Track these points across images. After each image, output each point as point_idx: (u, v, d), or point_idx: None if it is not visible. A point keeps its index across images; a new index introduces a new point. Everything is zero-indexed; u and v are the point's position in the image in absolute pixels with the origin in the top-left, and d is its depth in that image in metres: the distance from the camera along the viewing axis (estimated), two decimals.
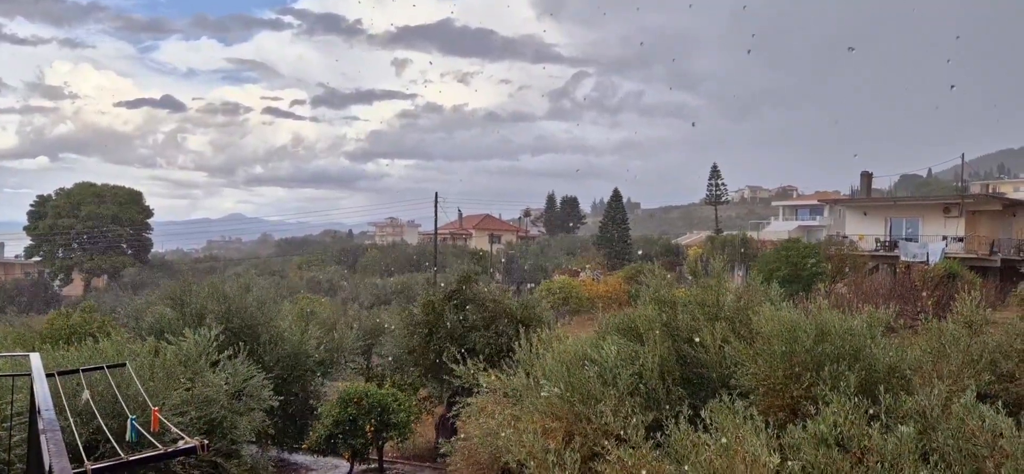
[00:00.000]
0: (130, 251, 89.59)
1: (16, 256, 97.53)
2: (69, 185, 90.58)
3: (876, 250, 47.91)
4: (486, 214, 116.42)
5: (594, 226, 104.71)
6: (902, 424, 5.95)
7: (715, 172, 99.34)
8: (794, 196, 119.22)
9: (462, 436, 9.91)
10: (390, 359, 20.10)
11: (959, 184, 77.36)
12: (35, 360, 4.65)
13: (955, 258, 38.98)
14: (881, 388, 6.41)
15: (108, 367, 5.84)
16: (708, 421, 6.34)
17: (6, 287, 75.26)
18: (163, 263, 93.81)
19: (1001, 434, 5.84)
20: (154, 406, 5.07)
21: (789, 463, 5.90)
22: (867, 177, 59.38)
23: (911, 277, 32.13)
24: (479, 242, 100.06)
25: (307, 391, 16.19)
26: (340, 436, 14.69)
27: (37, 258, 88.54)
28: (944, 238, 44.83)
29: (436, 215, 65.52)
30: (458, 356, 12.19)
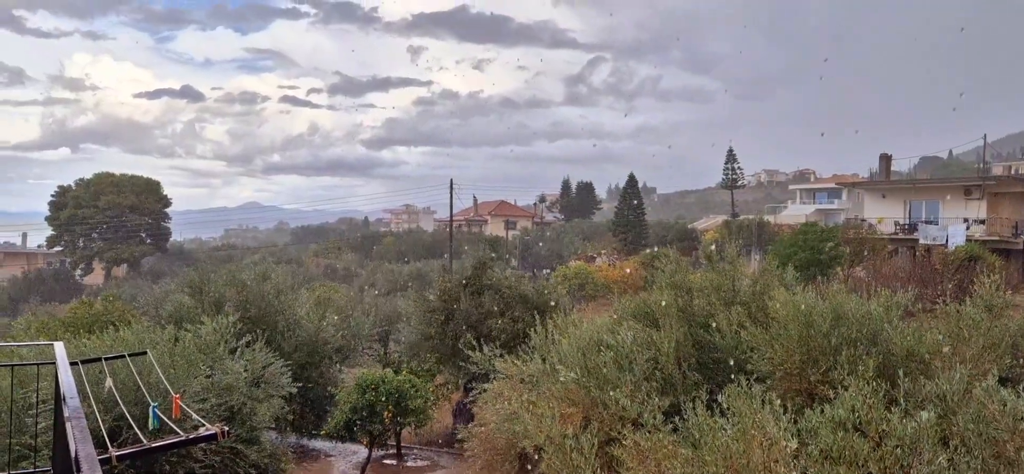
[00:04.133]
0: (149, 240, 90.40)
1: (38, 246, 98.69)
2: (90, 175, 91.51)
3: (895, 233, 47.46)
4: (502, 200, 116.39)
5: (610, 211, 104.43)
6: (921, 408, 5.92)
7: (731, 156, 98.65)
8: (812, 179, 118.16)
9: (479, 422, 9.96)
10: (407, 345, 20.19)
11: (981, 165, 76.40)
12: (59, 349, 4.72)
13: (976, 241, 38.56)
14: (900, 372, 6.36)
15: (130, 355, 5.92)
16: (725, 405, 6.33)
17: (29, 277, 76.17)
18: (182, 252, 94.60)
19: (1023, 418, 5.80)
20: (175, 393, 5.13)
21: (807, 447, 5.89)
22: (886, 159, 58.78)
23: (931, 260, 31.85)
24: (495, 228, 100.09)
25: (325, 378, 16.32)
26: (358, 422, 14.81)
27: (58, 248, 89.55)
28: (965, 221, 44.32)
29: (451, 202, 65.64)
30: (474, 342, 12.24)
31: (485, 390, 10.06)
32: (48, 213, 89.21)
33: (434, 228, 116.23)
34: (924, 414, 5.74)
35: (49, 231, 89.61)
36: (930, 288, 21.84)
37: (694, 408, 6.39)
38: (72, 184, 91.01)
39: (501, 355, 10.23)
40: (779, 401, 6.05)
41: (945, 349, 7.40)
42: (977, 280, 8.29)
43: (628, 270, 44.74)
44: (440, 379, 19.12)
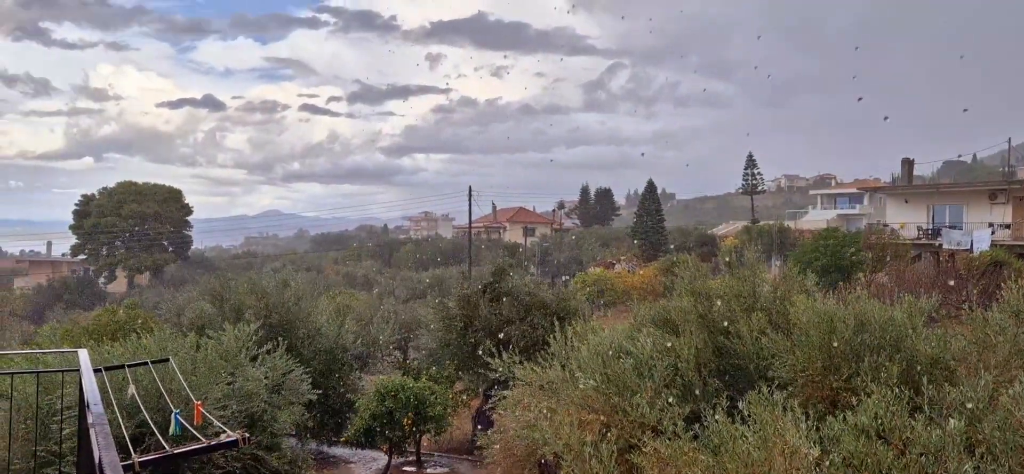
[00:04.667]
0: (171, 248, 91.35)
1: (62, 254, 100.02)
2: (112, 184, 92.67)
3: (918, 238, 46.91)
4: (520, 207, 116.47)
5: (629, 218, 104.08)
6: (946, 416, 5.84)
7: (751, 161, 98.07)
8: (832, 184, 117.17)
9: (498, 429, 9.95)
10: (426, 353, 20.23)
11: (1005, 169, 75.35)
12: (83, 356, 4.78)
13: (1002, 246, 38.03)
14: (924, 379, 6.28)
15: (152, 362, 5.97)
16: (746, 413, 6.28)
17: (54, 285, 77.20)
18: (202, 260, 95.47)
19: None
20: (197, 400, 5.17)
21: (829, 455, 5.83)
22: (908, 164, 58.11)
23: (955, 265, 31.45)
24: (513, 235, 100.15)
25: (345, 385, 16.38)
26: (378, 429, 14.84)
27: (82, 256, 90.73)
28: (990, 225, 43.73)
29: (470, 209, 65.70)
30: (493, 349, 12.24)
31: (504, 397, 10.05)
32: (72, 222, 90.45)
33: (453, 235, 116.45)
34: (951, 422, 5.66)
35: (73, 240, 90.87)
36: (954, 294, 21.56)
37: (714, 415, 6.34)
38: (95, 193, 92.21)
39: (520, 362, 10.22)
40: (800, 409, 5.99)
41: (970, 355, 7.30)
42: (1003, 285, 8.17)
43: (642, 272, 44.58)
44: (459, 386, 19.13)
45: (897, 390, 6.09)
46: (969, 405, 6.03)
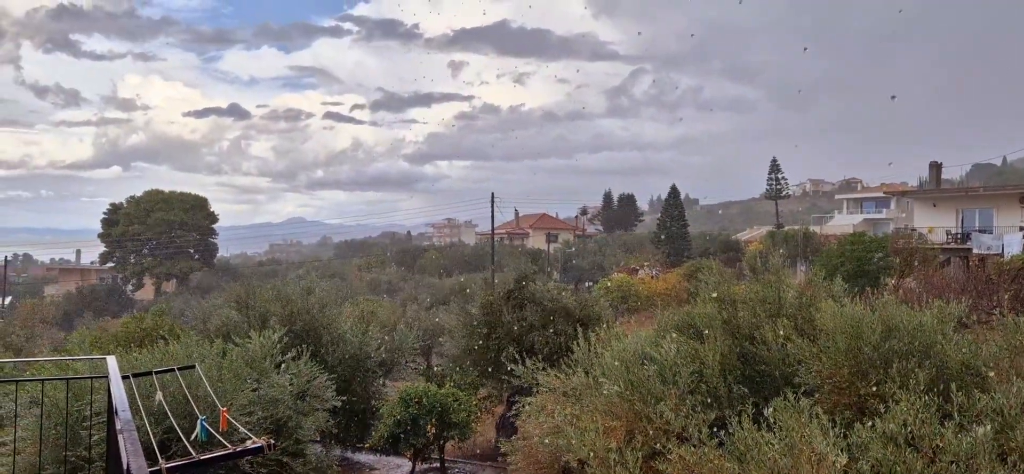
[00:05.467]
0: (197, 256, 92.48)
1: (91, 262, 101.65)
2: (140, 193, 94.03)
3: (947, 243, 46.26)
4: (543, 213, 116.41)
5: (652, 223, 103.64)
6: (977, 423, 5.74)
7: (775, 166, 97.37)
8: (858, 188, 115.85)
9: (522, 435, 9.94)
10: (449, 359, 20.25)
11: None
12: (111, 363, 4.84)
13: None
14: (953, 386, 6.18)
15: (179, 369, 6.03)
16: (772, 420, 6.22)
17: (83, 292, 78.41)
18: (228, 267, 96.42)
19: None
20: (222, 407, 5.22)
21: (857, 462, 5.75)
22: (936, 167, 57.36)
23: (985, 270, 30.91)
24: (536, 241, 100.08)
25: (369, 391, 16.43)
26: (402, 436, 14.87)
27: (110, 264, 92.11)
28: (1021, 229, 43.01)
29: (492, 215, 65.85)
30: (516, 356, 12.23)
31: (528, 403, 10.04)
32: (100, 230, 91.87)
33: (476, 242, 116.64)
34: (981, 429, 5.56)
35: (102, 247, 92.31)
36: (985, 299, 21.20)
37: (740, 422, 6.28)
38: (123, 202, 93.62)
39: (543, 368, 10.20)
40: (827, 415, 5.92)
41: (1002, 361, 7.17)
42: None
43: (665, 278, 44.32)
44: (483, 392, 19.13)
45: (925, 398, 6.00)
46: (1001, 411, 5.93)
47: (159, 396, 5.27)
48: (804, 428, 5.86)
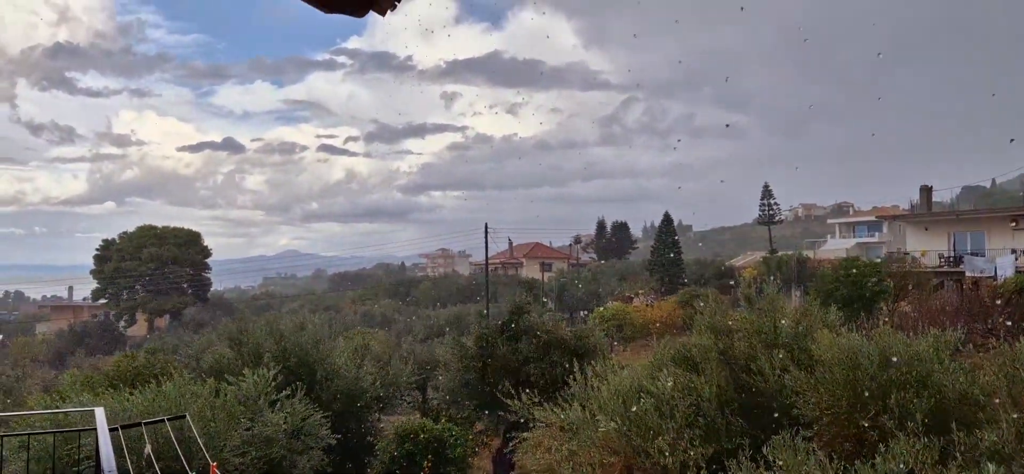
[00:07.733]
0: (190, 291, 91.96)
1: (84, 299, 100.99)
2: (133, 228, 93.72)
3: (940, 266, 46.39)
4: (537, 242, 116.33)
5: (646, 251, 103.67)
6: (977, 462, 5.69)
7: (767, 191, 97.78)
8: (850, 213, 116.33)
9: (519, 471, 9.84)
10: (445, 392, 20.10)
11: None
12: (99, 415, 4.78)
13: None
14: (953, 424, 6.13)
15: (169, 419, 5.97)
16: (770, 458, 6.16)
17: (75, 329, 77.80)
18: (221, 301, 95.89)
19: None
20: (213, 460, 5.15)
21: None
22: (927, 191, 57.68)
23: (979, 294, 30.96)
24: (530, 270, 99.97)
25: (364, 427, 16.26)
26: (397, 472, 14.71)
27: (103, 300, 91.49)
28: (1013, 251, 43.18)
29: (487, 245, 65.71)
30: (512, 389, 12.12)
31: (525, 438, 9.95)
32: (93, 266, 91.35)
33: (470, 272, 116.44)
34: (991, 466, 5.50)
35: (94, 284, 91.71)
36: (980, 323, 21.21)
37: (739, 463, 6.22)
38: (116, 237, 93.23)
39: (539, 402, 10.12)
40: (825, 453, 5.87)
41: (999, 390, 7.14)
42: None
43: (660, 306, 44.27)
44: (479, 426, 18.96)
45: (926, 439, 5.94)
46: (1001, 449, 5.89)
47: (148, 450, 5.20)
48: (802, 466, 5.81)
